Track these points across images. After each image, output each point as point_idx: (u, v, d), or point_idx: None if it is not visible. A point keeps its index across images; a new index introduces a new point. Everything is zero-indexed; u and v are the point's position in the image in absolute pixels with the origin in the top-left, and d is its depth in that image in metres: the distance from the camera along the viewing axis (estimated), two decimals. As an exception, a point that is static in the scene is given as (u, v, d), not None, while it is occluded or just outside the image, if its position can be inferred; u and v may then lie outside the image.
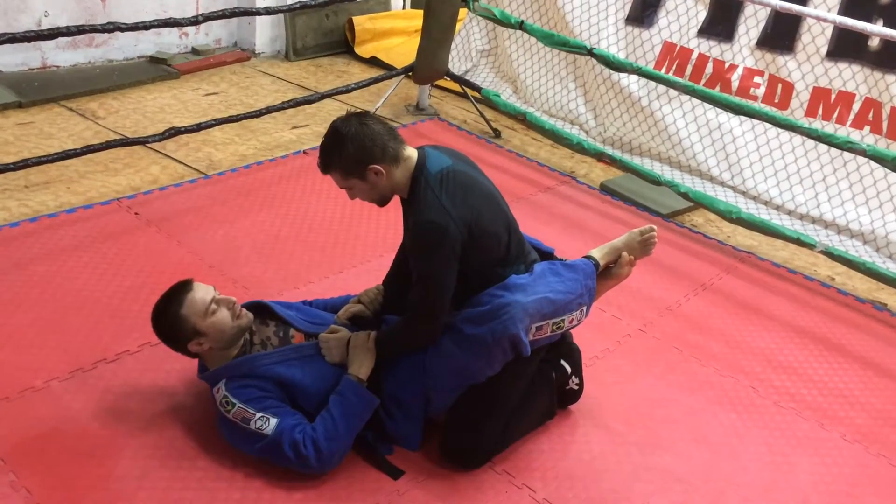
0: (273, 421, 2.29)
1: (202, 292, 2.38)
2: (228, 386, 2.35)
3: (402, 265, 2.69)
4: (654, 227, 2.73)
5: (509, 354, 2.33)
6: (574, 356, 2.74)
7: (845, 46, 4.37)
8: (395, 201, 2.50)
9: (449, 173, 2.35)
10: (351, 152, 2.30)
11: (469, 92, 5.25)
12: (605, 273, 2.70)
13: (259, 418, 2.29)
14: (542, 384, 2.63)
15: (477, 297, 2.37)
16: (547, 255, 2.67)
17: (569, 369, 2.71)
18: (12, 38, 3.30)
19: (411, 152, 2.40)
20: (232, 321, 2.39)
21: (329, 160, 2.35)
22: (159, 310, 2.40)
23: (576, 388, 2.74)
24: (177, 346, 2.43)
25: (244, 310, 2.45)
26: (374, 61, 6.05)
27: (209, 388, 2.45)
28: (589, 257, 2.65)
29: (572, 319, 2.49)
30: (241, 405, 2.31)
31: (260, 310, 2.57)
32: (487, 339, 2.28)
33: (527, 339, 2.32)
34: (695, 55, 4.80)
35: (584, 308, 2.54)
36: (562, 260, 2.64)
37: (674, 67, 4.83)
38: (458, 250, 2.29)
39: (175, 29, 5.40)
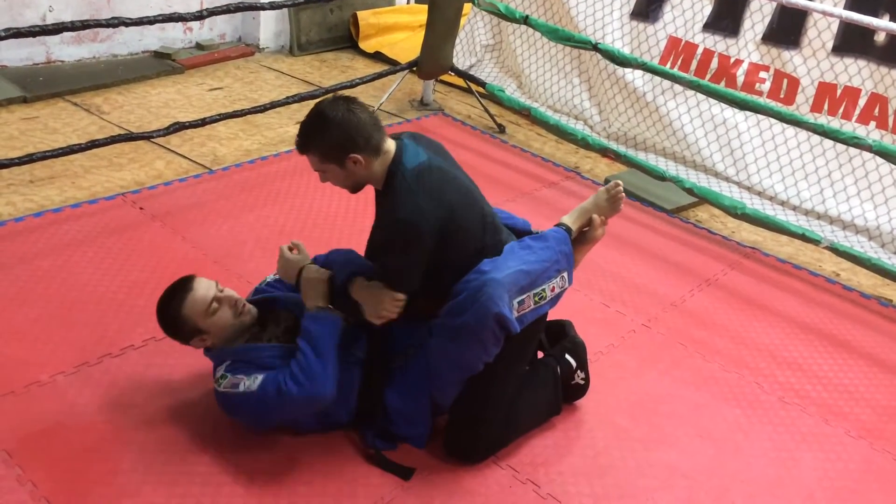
0: (259, 378, 2.28)
1: (203, 290, 2.38)
2: (228, 367, 2.37)
3: None
4: (620, 182, 2.69)
5: (499, 335, 2.30)
6: (579, 351, 2.74)
7: (851, 41, 4.35)
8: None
9: (424, 169, 2.31)
10: (334, 138, 2.26)
11: (473, 87, 5.24)
12: (580, 238, 2.68)
13: (247, 380, 2.29)
14: (547, 379, 2.63)
15: (455, 287, 2.35)
16: (524, 232, 2.65)
17: (574, 364, 2.70)
18: (17, 33, 3.30)
19: (390, 144, 2.37)
20: (234, 318, 2.40)
21: (309, 141, 2.30)
22: (161, 309, 2.42)
23: (582, 382, 2.74)
24: (180, 341, 2.46)
25: (248, 305, 2.45)
26: (378, 56, 6.04)
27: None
28: (560, 224, 2.64)
29: (553, 287, 2.45)
30: (231, 376, 2.33)
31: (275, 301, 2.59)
32: (472, 324, 2.26)
33: (512, 316, 2.30)
34: (700, 50, 4.78)
35: (565, 274, 2.50)
36: (532, 233, 2.62)
37: (679, 62, 4.82)
38: (429, 248, 2.28)
39: (179, 24, 5.40)
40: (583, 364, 2.73)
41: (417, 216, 2.24)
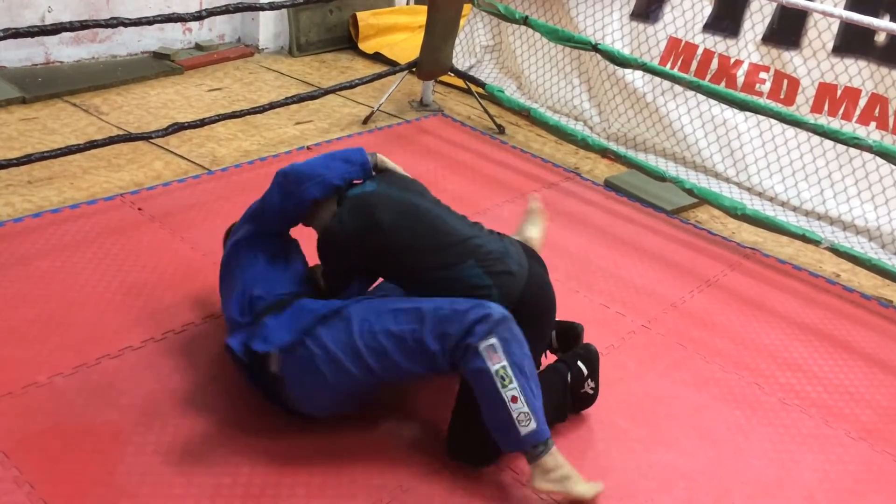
0: None
1: None
2: None
3: None
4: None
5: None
6: (592, 359, 2.69)
7: (851, 42, 4.35)
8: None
9: (362, 197, 2.56)
10: None
11: (473, 88, 5.24)
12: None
13: None
14: (556, 384, 2.59)
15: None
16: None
17: (585, 371, 2.66)
18: (16, 34, 3.30)
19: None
20: None
21: None
22: None
23: (591, 392, 2.68)
24: None
25: None
26: (377, 57, 6.04)
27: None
28: None
29: None
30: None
31: None
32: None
33: None
34: (700, 51, 4.78)
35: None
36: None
37: (679, 63, 4.81)
38: (351, 257, 2.53)
39: (178, 24, 5.39)
40: (594, 373, 2.68)
41: (336, 230, 2.54)
